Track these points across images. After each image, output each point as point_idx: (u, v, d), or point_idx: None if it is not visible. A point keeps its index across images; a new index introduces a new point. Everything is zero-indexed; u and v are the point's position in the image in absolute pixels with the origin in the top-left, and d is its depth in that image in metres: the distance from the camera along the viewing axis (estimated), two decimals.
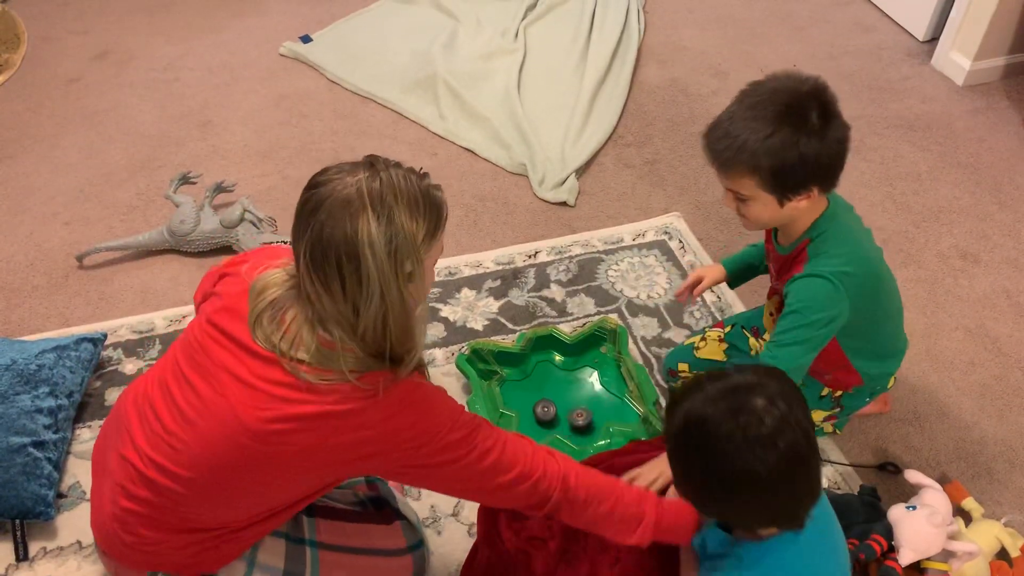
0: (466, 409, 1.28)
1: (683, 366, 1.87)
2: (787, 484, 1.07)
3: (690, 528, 1.31)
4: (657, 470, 1.43)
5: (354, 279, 1.08)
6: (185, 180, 2.35)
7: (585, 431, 1.82)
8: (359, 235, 1.07)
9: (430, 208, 1.13)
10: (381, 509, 1.49)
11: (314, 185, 1.12)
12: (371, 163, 1.14)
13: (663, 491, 1.40)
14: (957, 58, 2.89)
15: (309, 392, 1.13)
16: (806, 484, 1.09)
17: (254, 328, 1.16)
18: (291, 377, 1.13)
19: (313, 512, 1.43)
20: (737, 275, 1.83)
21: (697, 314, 2.12)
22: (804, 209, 1.44)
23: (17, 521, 1.63)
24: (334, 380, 1.12)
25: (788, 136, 1.34)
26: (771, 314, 1.75)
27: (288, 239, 2.19)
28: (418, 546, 1.48)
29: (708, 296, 2.16)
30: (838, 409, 1.74)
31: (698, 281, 1.81)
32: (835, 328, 1.50)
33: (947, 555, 1.55)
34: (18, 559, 1.62)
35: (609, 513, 1.28)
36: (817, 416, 1.74)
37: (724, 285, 1.90)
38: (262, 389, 1.14)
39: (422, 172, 1.18)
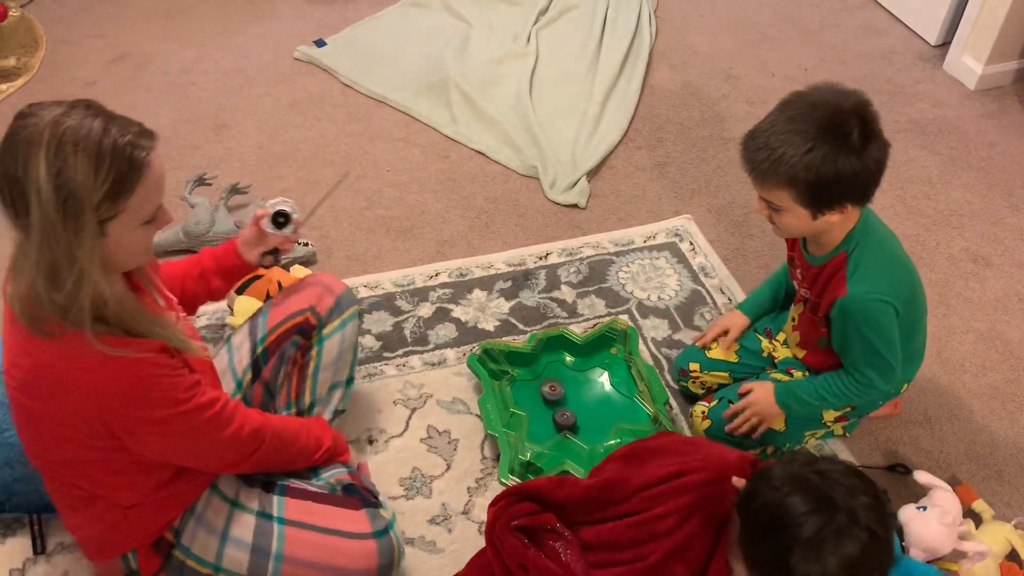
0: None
1: (694, 366, 1.88)
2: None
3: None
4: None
5: (24, 218, 1.08)
6: (200, 181, 2.37)
7: (573, 430, 1.83)
8: (29, 177, 1.05)
9: (118, 166, 1.09)
10: (350, 495, 1.51)
11: (18, 116, 1.11)
12: (73, 105, 1.10)
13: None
14: (969, 62, 2.89)
15: (29, 342, 1.16)
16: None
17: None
18: (24, 329, 1.16)
19: (284, 492, 1.48)
20: (759, 316, 1.87)
21: (708, 315, 2.13)
22: (836, 223, 1.46)
23: (35, 516, 1.66)
24: (51, 333, 1.14)
25: (827, 152, 1.34)
26: (793, 319, 1.76)
27: (303, 241, 2.23)
28: (383, 533, 1.48)
29: (719, 298, 2.17)
30: (848, 409, 1.74)
31: (723, 332, 1.86)
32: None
33: (957, 555, 1.55)
34: (36, 553, 1.64)
35: (300, 450, 1.50)
36: (828, 417, 1.75)
37: (734, 287, 1.91)
38: (7, 343, 1.20)
39: (136, 129, 1.13)
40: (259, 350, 1.61)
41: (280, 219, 1.56)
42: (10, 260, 1.16)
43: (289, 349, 1.62)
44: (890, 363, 1.55)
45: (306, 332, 1.63)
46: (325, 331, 1.63)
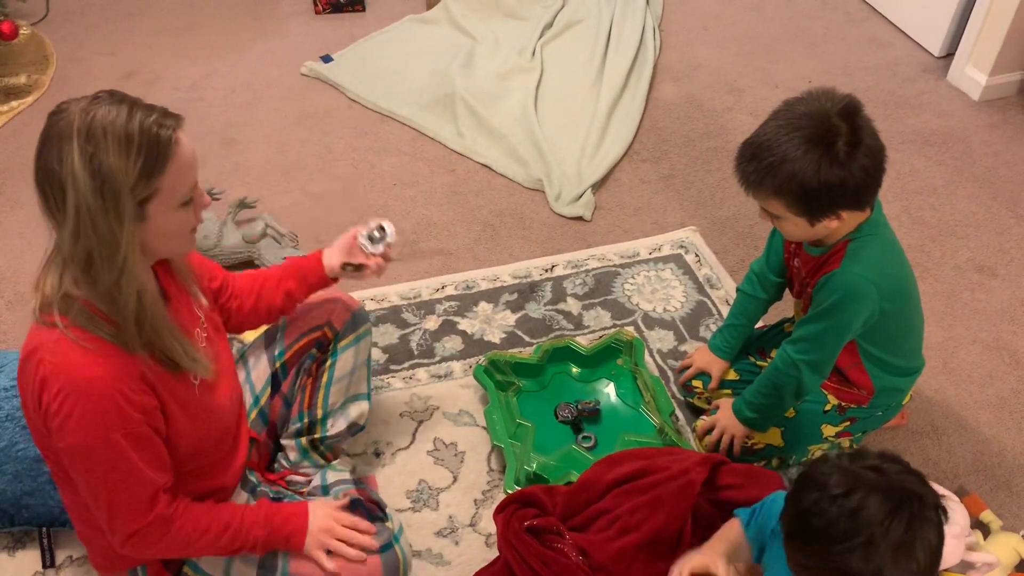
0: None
1: (697, 383, 1.88)
2: None
3: None
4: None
5: (62, 209, 1.11)
6: (208, 196, 2.39)
7: (592, 419, 1.88)
8: (63, 168, 1.09)
9: (146, 147, 1.12)
10: (354, 510, 1.51)
11: (50, 114, 1.14)
12: (97, 96, 1.14)
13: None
14: (973, 73, 2.90)
15: (31, 334, 1.17)
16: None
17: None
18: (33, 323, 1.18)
19: None
20: (739, 351, 1.86)
21: (713, 326, 2.13)
22: (835, 228, 1.46)
23: (44, 529, 1.66)
24: (52, 323, 1.15)
25: (811, 164, 1.35)
26: (801, 313, 1.76)
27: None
28: (387, 548, 1.47)
29: (725, 310, 2.17)
30: (848, 423, 1.74)
31: (701, 371, 1.86)
32: (859, 328, 1.53)
33: (966, 566, 1.55)
34: (45, 566, 1.65)
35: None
36: (828, 432, 1.74)
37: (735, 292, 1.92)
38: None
39: (159, 109, 1.16)
40: (278, 364, 1.63)
41: (376, 235, 1.59)
42: (44, 261, 1.20)
43: (307, 362, 1.65)
44: (823, 360, 1.58)
45: (323, 346, 1.66)
46: (340, 344, 1.66)
